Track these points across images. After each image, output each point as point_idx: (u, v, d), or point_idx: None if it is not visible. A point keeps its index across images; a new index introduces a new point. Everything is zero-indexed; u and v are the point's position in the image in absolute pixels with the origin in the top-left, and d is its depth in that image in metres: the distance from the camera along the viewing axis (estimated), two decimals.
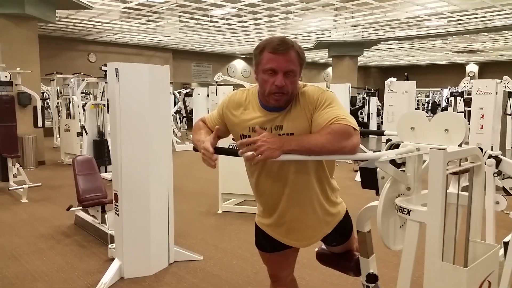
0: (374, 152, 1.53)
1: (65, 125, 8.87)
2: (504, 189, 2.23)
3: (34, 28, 8.84)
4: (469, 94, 7.78)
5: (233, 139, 1.82)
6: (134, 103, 3.21)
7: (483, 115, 6.35)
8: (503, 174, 2.22)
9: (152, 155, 3.32)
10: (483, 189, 1.51)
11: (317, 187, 1.75)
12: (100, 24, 12.27)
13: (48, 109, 13.37)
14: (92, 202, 4.11)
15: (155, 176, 3.35)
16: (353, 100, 13.47)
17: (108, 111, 6.45)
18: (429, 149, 1.32)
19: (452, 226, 1.52)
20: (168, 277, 3.31)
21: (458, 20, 11.22)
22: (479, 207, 1.50)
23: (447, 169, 1.31)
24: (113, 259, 3.38)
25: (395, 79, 8.87)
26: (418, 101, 18.65)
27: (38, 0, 8.47)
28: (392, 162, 1.49)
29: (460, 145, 1.45)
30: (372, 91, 14.28)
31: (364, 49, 16.17)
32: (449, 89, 14.11)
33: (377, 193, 1.54)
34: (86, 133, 7.49)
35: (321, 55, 19.72)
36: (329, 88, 5.85)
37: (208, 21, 11.63)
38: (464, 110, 8.96)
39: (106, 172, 7.23)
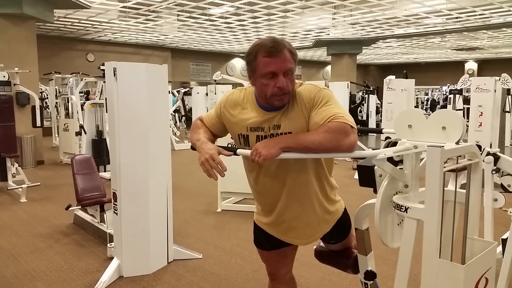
0: (372, 150, 1.53)
1: (64, 124, 8.86)
2: (502, 186, 2.23)
3: (32, 28, 8.83)
4: (468, 91, 7.79)
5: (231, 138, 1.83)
6: (132, 102, 3.21)
7: (482, 113, 6.35)
8: (502, 172, 2.22)
9: (150, 154, 3.32)
10: (480, 186, 1.51)
11: (316, 185, 1.75)
12: (98, 23, 12.26)
13: (47, 109, 13.35)
14: (91, 201, 4.11)
15: (154, 175, 3.35)
16: (352, 98, 13.46)
17: (106, 110, 6.46)
18: (426, 146, 1.32)
19: (450, 223, 1.52)
20: (167, 275, 3.31)
21: (456, 17, 11.22)
22: (477, 204, 1.50)
23: (445, 167, 1.31)
24: (112, 258, 3.38)
25: (394, 77, 8.85)
26: (417, 99, 18.64)
27: None
28: (390, 159, 1.49)
29: (457, 143, 1.45)
30: (371, 89, 14.28)
31: (363, 47, 16.19)
32: (448, 87, 14.12)
33: (375, 191, 1.54)
34: (85, 133, 7.49)
35: (320, 54, 19.73)
36: (328, 86, 5.87)
37: (206, 20, 11.62)
38: (463, 107, 8.97)
39: (105, 171, 7.24)
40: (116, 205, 3.27)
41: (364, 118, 13.72)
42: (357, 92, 14.45)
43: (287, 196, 1.74)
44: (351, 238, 1.98)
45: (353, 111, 13.15)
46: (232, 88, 1.91)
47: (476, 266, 1.36)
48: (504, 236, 2.20)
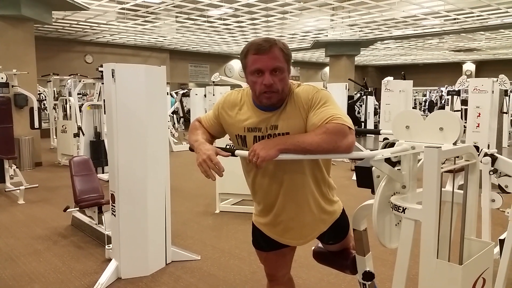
0: (370, 151, 1.54)
1: (62, 126, 8.85)
2: (499, 187, 2.24)
3: (30, 30, 8.82)
4: (466, 92, 7.80)
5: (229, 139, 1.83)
6: (130, 104, 3.21)
7: (479, 114, 6.37)
8: (499, 172, 2.23)
9: (149, 156, 3.32)
10: (478, 187, 1.52)
11: (313, 186, 1.75)
12: (96, 25, 12.25)
13: (45, 111, 13.34)
14: (89, 203, 4.10)
15: (152, 176, 3.35)
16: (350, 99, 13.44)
17: (104, 112, 6.44)
18: (424, 147, 1.32)
19: (447, 224, 1.52)
20: (165, 277, 3.31)
21: (454, 19, 11.25)
22: (474, 205, 1.50)
23: (442, 168, 1.31)
24: (110, 259, 3.38)
25: (392, 78, 8.87)
26: (415, 100, 18.66)
27: (35, 1, 8.46)
28: (388, 160, 1.49)
29: (454, 144, 1.45)
30: (369, 90, 14.29)
31: (361, 48, 16.21)
32: (445, 88, 14.14)
33: (373, 192, 1.55)
34: (83, 134, 7.48)
35: (318, 55, 19.75)
36: (326, 87, 5.88)
37: (205, 21, 11.63)
38: (461, 108, 8.98)
39: (103, 173, 7.22)
40: (114, 206, 3.26)
41: (362, 119, 13.73)
42: (355, 93, 14.46)
43: (284, 196, 1.75)
44: (349, 239, 1.98)
45: (351, 106, 12.97)
46: (230, 90, 1.91)
47: (474, 266, 1.36)
48: (502, 237, 2.20)
